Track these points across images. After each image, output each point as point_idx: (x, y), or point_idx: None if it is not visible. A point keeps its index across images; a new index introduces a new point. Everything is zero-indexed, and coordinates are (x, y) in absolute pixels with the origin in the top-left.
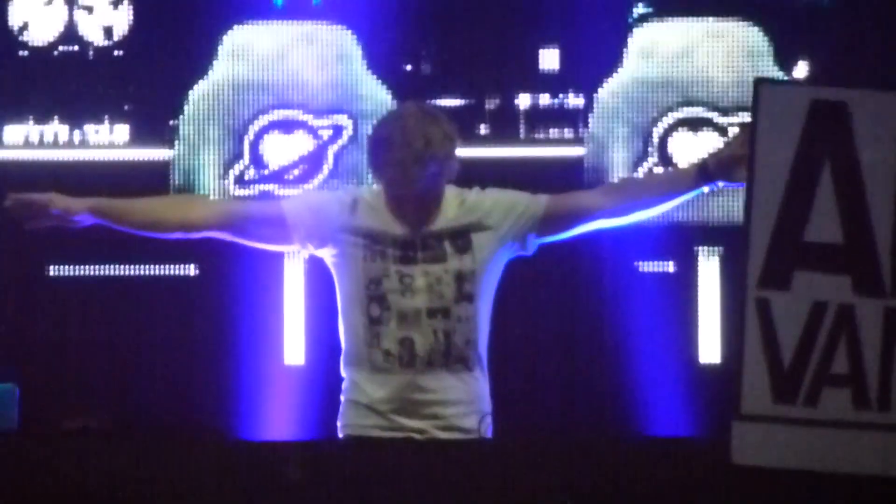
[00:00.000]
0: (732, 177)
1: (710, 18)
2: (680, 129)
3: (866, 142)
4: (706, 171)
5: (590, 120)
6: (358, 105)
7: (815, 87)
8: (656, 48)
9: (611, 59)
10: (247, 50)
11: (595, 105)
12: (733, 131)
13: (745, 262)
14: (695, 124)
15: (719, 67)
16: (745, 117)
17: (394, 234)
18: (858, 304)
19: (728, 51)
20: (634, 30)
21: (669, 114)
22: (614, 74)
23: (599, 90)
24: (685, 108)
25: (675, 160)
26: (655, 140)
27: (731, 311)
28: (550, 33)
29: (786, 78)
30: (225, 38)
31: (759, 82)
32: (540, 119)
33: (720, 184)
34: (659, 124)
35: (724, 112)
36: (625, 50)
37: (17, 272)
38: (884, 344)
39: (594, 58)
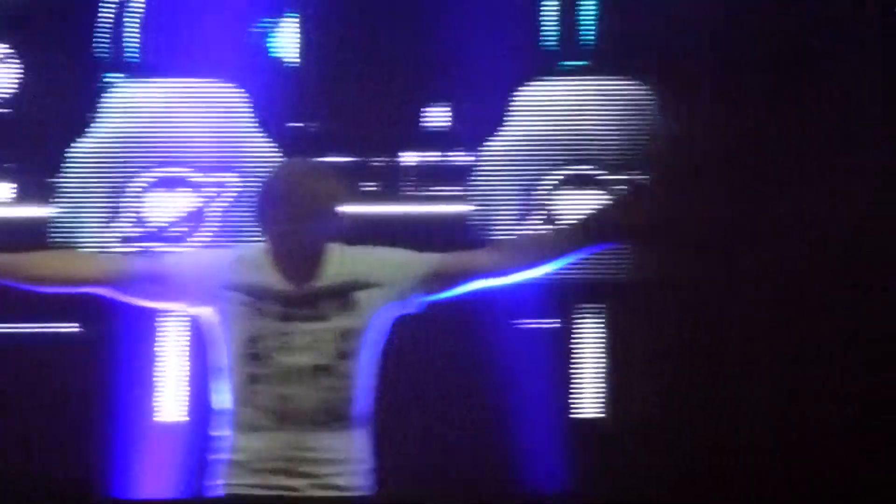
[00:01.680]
0: (617, 236)
1: (603, 78)
2: (566, 187)
3: None
4: (591, 231)
5: (476, 177)
6: (244, 162)
7: None
8: (544, 106)
9: (499, 117)
10: (130, 106)
11: (481, 162)
12: (619, 190)
13: None
14: (581, 183)
15: (607, 125)
16: (631, 176)
17: (276, 290)
18: None
19: (616, 108)
20: (522, 87)
21: (555, 171)
22: (501, 132)
23: (486, 147)
24: (572, 167)
25: (561, 219)
26: (541, 198)
27: (613, 369)
28: (438, 91)
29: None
30: (108, 93)
31: None
32: (427, 176)
33: (605, 244)
34: (545, 182)
35: (611, 170)
36: (512, 107)
37: None
38: None
39: (482, 115)
